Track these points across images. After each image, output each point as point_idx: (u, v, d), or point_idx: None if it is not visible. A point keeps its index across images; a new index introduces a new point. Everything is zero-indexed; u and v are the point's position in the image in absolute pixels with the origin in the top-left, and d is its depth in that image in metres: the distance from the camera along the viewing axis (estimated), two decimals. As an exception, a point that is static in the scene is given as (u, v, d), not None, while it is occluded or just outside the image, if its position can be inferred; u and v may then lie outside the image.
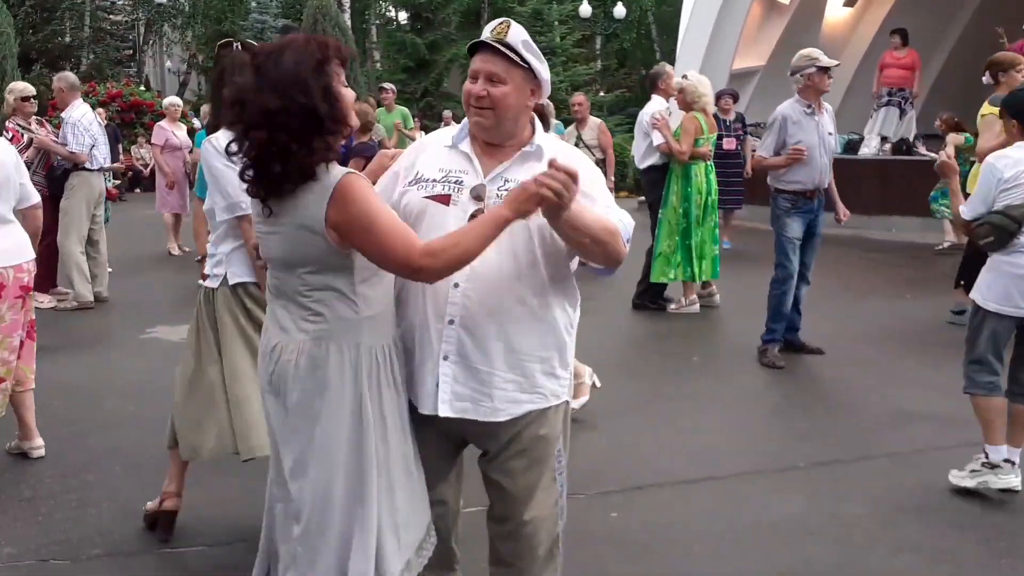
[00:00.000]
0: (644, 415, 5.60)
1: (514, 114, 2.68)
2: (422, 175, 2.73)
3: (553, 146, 2.77)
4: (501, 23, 2.66)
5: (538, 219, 2.57)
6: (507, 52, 2.62)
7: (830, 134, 6.58)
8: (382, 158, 3.05)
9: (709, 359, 6.95)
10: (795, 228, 6.49)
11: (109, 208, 9.42)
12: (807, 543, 3.98)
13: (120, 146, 16.06)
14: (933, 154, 12.78)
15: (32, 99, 8.34)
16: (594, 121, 10.69)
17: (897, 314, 8.25)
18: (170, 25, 32.94)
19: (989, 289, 4.31)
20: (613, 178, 10.69)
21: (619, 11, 29.72)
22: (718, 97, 10.86)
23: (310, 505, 2.56)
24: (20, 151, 7.92)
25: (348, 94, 2.51)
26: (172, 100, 12.75)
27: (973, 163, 12.50)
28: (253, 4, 28.63)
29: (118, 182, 15.38)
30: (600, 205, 2.68)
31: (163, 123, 11.98)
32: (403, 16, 31.40)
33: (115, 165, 12.27)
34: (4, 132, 8.12)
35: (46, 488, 4.50)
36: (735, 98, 12.20)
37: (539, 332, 2.69)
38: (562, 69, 26.27)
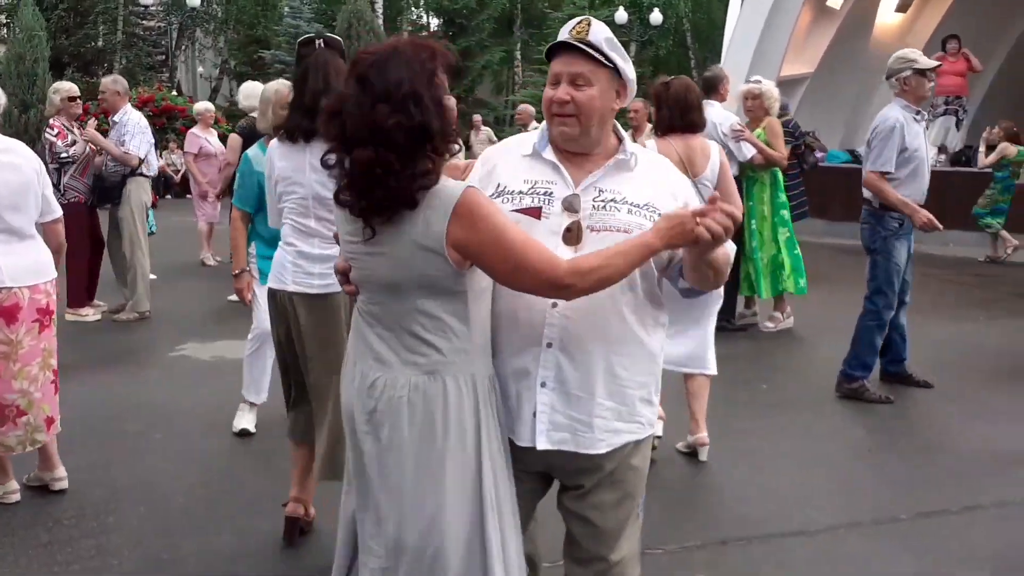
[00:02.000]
0: (715, 452, 5.03)
1: (600, 120, 2.42)
2: (506, 187, 2.45)
3: (644, 155, 2.52)
4: (581, 21, 2.41)
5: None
6: (591, 51, 2.36)
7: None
8: (453, 170, 2.72)
9: (779, 387, 6.37)
10: (902, 252, 5.84)
11: (153, 217, 9.04)
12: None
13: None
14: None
15: (78, 99, 8.13)
16: (650, 129, 10.13)
17: (973, 338, 7.69)
18: (202, 30, 32.84)
19: None
20: None
21: (655, 18, 29.29)
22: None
23: (419, 554, 2.29)
24: (66, 147, 7.69)
25: (454, 106, 2.27)
26: (205, 106, 12.10)
27: (1019, 175, 12.08)
28: (286, 9, 28.42)
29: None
30: None
31: (196, 130, 11.48)
32: (435, 22, 31.09)
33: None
34: (49, 129, 7.97)
35: (64, 532, 4.04)
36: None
37: (639, 356, 2.45)
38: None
